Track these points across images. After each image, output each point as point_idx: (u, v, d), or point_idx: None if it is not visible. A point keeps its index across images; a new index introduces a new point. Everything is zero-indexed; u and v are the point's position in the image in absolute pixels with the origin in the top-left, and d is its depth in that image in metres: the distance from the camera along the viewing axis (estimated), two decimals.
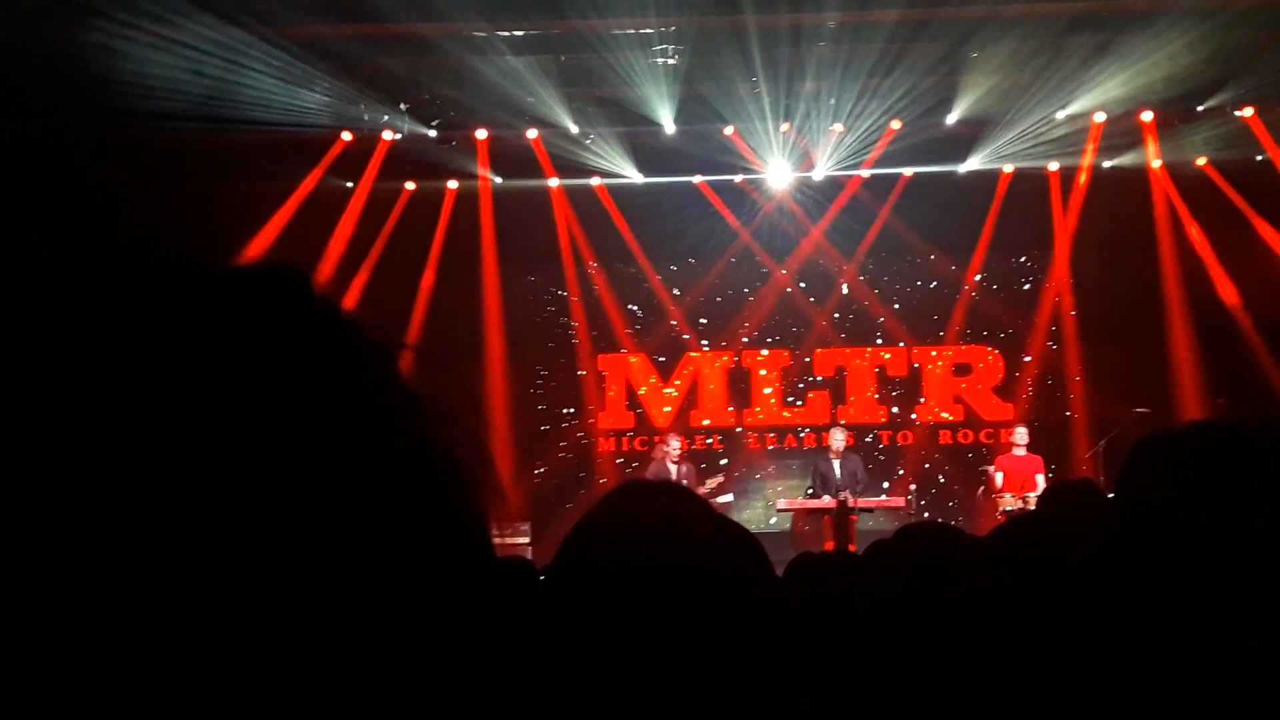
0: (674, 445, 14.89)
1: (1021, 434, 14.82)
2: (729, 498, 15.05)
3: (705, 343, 18.21)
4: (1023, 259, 18.11)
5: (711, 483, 15.13)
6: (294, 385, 0.68)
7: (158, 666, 0.61)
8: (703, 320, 18.23)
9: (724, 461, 17.76)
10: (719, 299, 18.27)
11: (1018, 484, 14.14)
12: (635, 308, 18.26)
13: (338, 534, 0.65)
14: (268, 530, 0.64)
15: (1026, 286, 18.11)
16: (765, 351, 18.21)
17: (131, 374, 0.64)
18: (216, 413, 0.64)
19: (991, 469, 14.79)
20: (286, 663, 0.63)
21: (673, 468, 14.54)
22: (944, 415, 18.00)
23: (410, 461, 0.71)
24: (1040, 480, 14.21)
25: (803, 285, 18.21)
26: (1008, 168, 17.05)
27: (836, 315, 18.19)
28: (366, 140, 16.13)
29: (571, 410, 18.15)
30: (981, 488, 15.63)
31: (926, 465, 17.67)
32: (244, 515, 0.63)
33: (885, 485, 16.66)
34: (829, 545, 13.94)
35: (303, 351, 0.70)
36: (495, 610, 0.73)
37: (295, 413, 0.67)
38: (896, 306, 18.18)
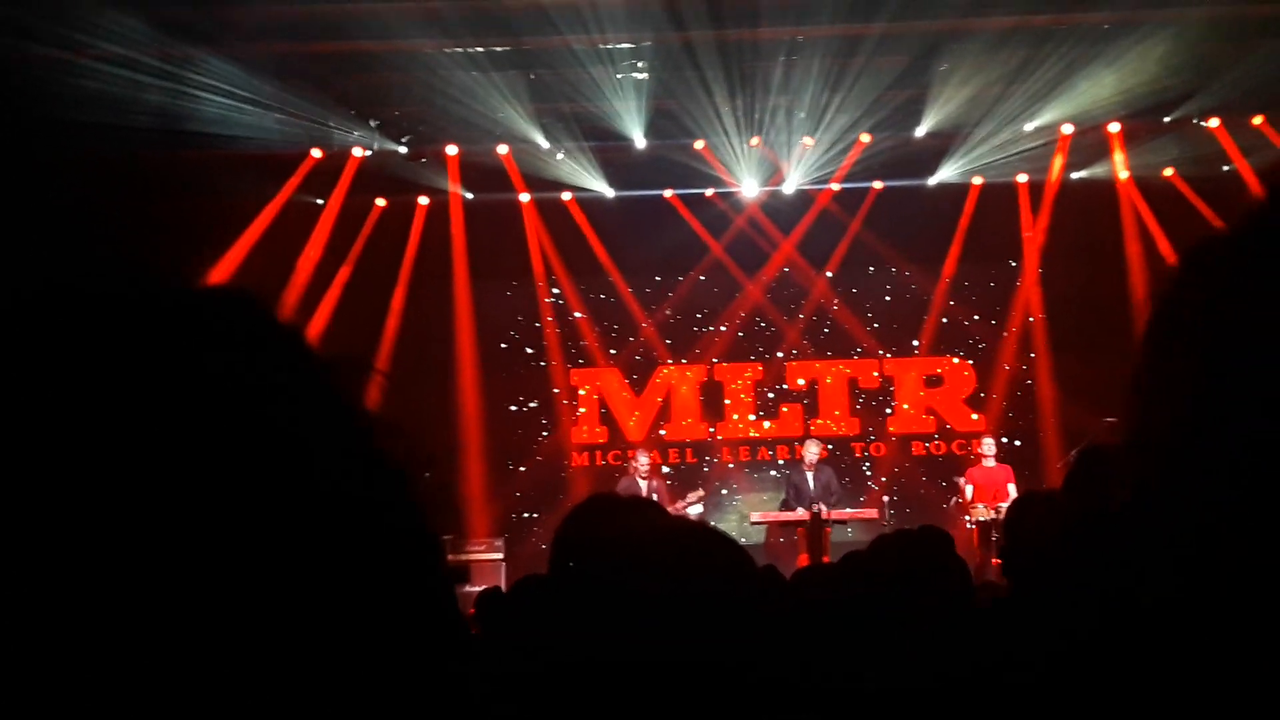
0: (643, 460, 14.84)
1: (989, 445, 14.89)
2: (699, 508, 15.01)
3: (677, 356, 18.20)
4: (993, 270, 18.18)
5: (693, 496, 15.09)
6: (249, 400, 0.68)
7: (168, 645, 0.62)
8: (674, 334, 18.23)
9: (700, 472, 17.74)
10: (691, 312, 18.28)
11: (989, 494, 14.19)
12: (607, 322, 18.26)
13: (286, 544, 0.66)
14: (212, 540, 0.64)
15: (997, 297, 18.18)
16: (737, 365, 18.22)
17: (91, 390, 0.65)
18: (175, 424, 0.65)
19: (962, 481, 14.82)
20: (244, 667, 0.64)
21: (642, 484, 14.51)
22: (916, 425, 18.04)
23: (361, 474, 0.71)
24: (1011, 490, 14.26)
25: (774, 298, 18.24)
26: (977, 180, 17.14)
27: (808, 328, 18.23)
28: (336, 157, 16.11)
29: (544, 425, 18.12)
30: (954, 499, 15.67)
31: (900, 477, 17.70)
32: (191, 524, 0.64)
33: (848, 486, 16.71)
34: (803, 557, 13.95)
35: (257, 367, 0.70)
36: (450, 622, 0.73)
37: (251, 426, 0.67)
38: (868, 318, 18.22)
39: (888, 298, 18.27)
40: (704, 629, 1.37)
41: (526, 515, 17.22)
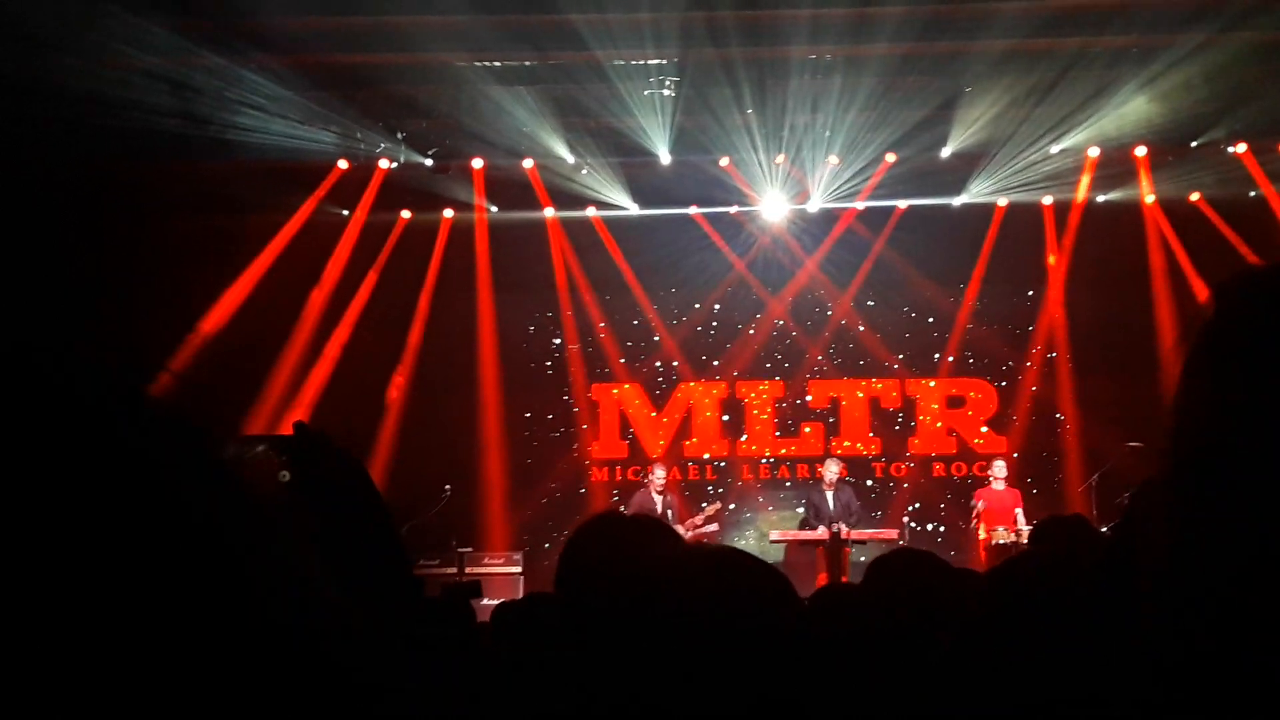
0: (658, 475, 14.83)
1: (1000, 467, 14.87)
2: (714, 526, 14.98)
3: (699, 373, 18.18)
4: (1017, 292, 18.11)
5: (709, 510, 15.07)
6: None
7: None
8: (697, 351, 18.21)
9: (719, 489, 17.68)
10: (713, 330, 18.27)
11: (998, 517, 14.17)
12: (629, 338, 18.24)
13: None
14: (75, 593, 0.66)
15: (1020, 319, 18.10)
16: (759, 383, 18.19)
17: None
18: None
19: (977, 503, 14.78)
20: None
21: (657, 498, 14.50)
22: (937, 446, 17.97)
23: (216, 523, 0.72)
24: (1019, 514, 14.21)
25: (797, 317, 18.21)
26: (1002, 201, 17.09)
27: (831, 347, 18.19)
28: (363, 169, 16.15)
29: (565, 439, 18.11)
30: (974, 520, 15.62)
31: (920, 498, 17.63)
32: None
33: (878, 516, 16.70)
34: (822, 577, 13.92)
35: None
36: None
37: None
38: (891, 338, 18.16)
39: (910, 317, 18.20)
40: (731, 668, 1.35)
41: (546, 529, 17.19)
